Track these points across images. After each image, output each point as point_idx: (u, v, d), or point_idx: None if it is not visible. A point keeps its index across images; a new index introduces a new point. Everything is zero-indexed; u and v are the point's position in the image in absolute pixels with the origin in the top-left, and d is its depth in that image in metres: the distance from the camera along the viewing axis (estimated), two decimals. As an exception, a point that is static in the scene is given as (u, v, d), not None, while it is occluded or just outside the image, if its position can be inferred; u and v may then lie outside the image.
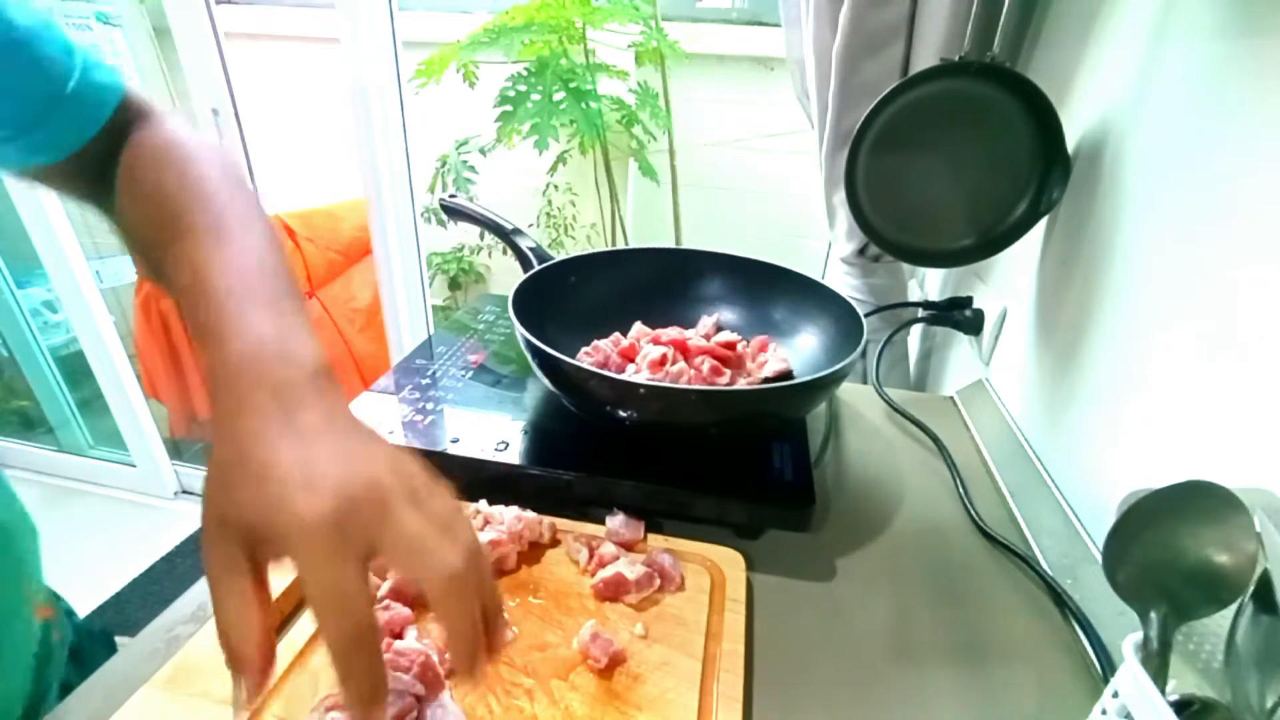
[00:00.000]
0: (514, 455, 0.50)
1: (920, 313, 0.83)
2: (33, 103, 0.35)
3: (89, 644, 0.50)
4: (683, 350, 0.58)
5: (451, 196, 0.70)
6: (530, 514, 0.46)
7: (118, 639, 0.53)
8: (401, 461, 0.26)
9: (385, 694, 0.23)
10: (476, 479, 0.50)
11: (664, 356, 0.55)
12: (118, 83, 0.38)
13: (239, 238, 0.31)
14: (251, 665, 0.24)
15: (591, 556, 0.44)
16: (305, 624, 0.38)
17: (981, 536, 0.52)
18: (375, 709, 0.23)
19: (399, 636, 0.37)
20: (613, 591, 0.41)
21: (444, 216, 1.47)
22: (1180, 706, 0.26)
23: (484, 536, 0.43)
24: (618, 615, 0.41)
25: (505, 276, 2.20)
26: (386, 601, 0.39)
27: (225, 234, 0.31)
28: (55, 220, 1.47)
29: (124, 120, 0.38)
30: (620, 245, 1.85)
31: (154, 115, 0.39)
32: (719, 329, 0.65)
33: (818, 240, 1.80)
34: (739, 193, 1.90)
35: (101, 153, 0.38)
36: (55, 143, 0.37)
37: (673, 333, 0.61)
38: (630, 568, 0.41)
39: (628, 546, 0.46)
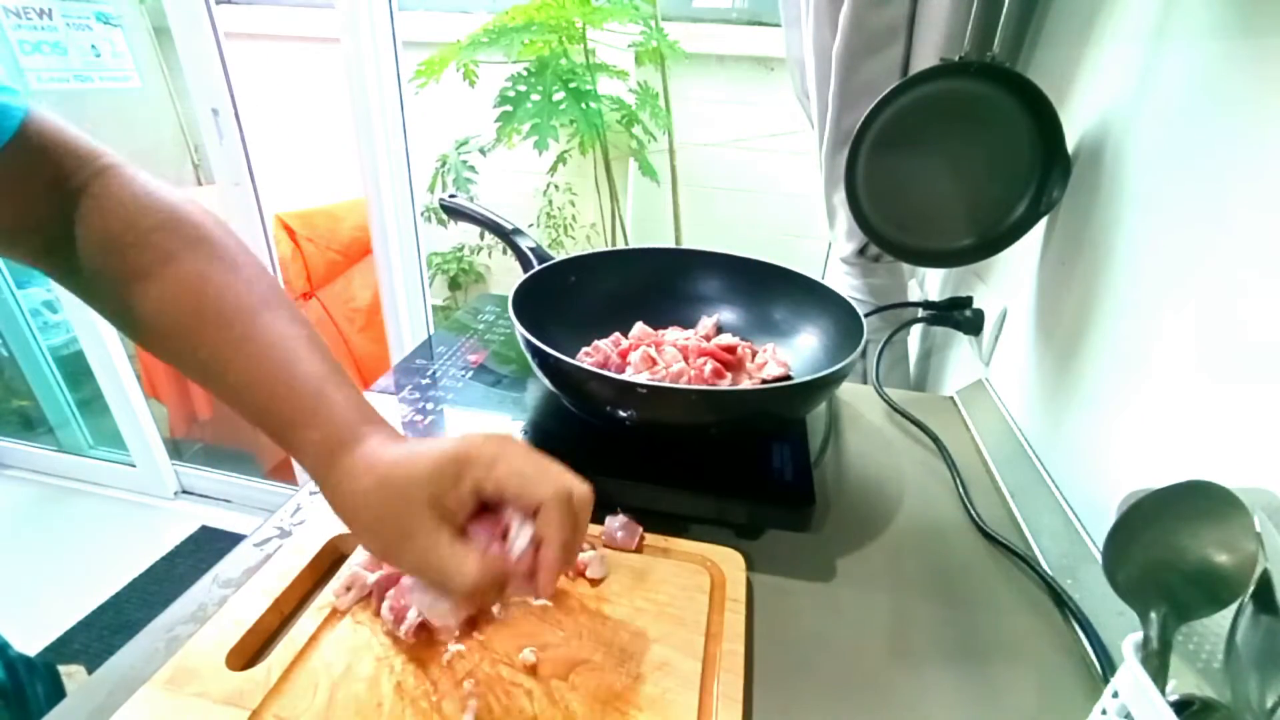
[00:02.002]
0: (514, 455, 0.50)
1: (920, 313, 0.83)
2: None
3: (27, 680, 0.48)
4: (682, 352, 0.58)
5: (451, 196, 0.70)
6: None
7: (68, 670, 0.52)
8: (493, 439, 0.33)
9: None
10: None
11: (647, 356, 0.55)
12: (12, 106, 0.32)
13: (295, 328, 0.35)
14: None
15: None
16: (305, 624, 0.38)
17: (981, 536, 0.52)
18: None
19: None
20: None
21: (444, 216, 1.47)
22: (1180, 706, 0.26)
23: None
24: (617, 615, 0.41)
25: (505, 276, 2.21)
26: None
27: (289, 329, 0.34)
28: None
29: (36, 152, 0.33)
30: (620, 245, 1.85)
31: (111, 168, 0.35)
32: (719, 330, 0.65)
33: (818, 240, 1.80)
34: (739, 193, 1.90)
35: (19, 191, 0.33)
36: None
37: (673, 335, 0.61)
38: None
39: (623, 548, 0.46)
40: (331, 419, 0.33)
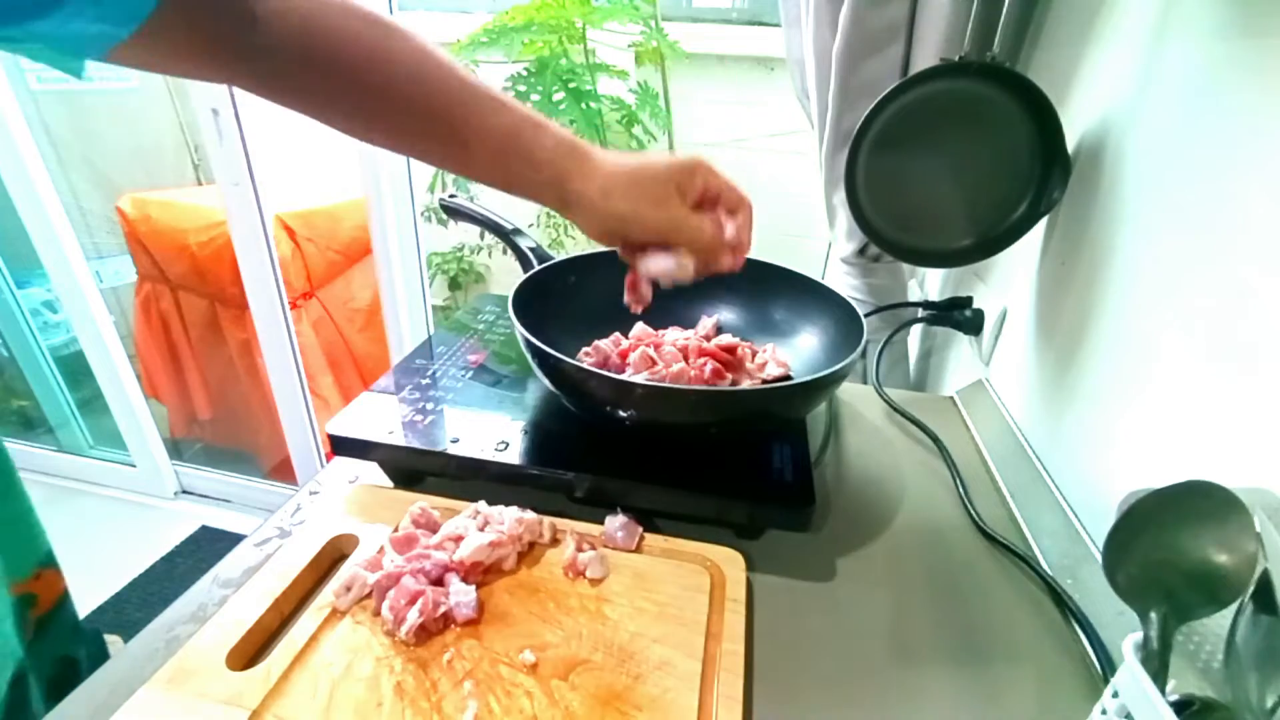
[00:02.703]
0: (514, 455, 0.50)
1: (920, 313, 0.83)
2: None
3: (81, 644, 0.50)
4: (682, 352, 0.58)
5: (451, 196, 0.70)
6: (530, 514, 0.46)
7: (109, 639, 0.53)
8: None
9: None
10: (476, 479, 0.50)
11: (646, 356, 0.55)
12: None
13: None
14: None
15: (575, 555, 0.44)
16: (305, 624, 0.38)
17: (981, 536, 0.52)
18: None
19: (439, 582, 0.41)
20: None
21: (444, 216, 1.47)
22: (1180, 706, 0.26)
23: (484, 537, 0.43)
24: (617, 615, 0.41)
25: (505, 276, 2.20)
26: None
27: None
28: (55, 220, 1.47)
29: None
30: (620, 245, 1.85)
31: None
32: (719, 330, 0.65)
33: (818, 240, 1.80)
34: (739, 193, 1.89)
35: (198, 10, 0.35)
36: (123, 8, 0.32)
37: (673, 335, 0.61)
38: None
39: (623, 548, 0.46)
40: (559, 131, 0.43)
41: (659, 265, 0.45)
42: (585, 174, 0.42)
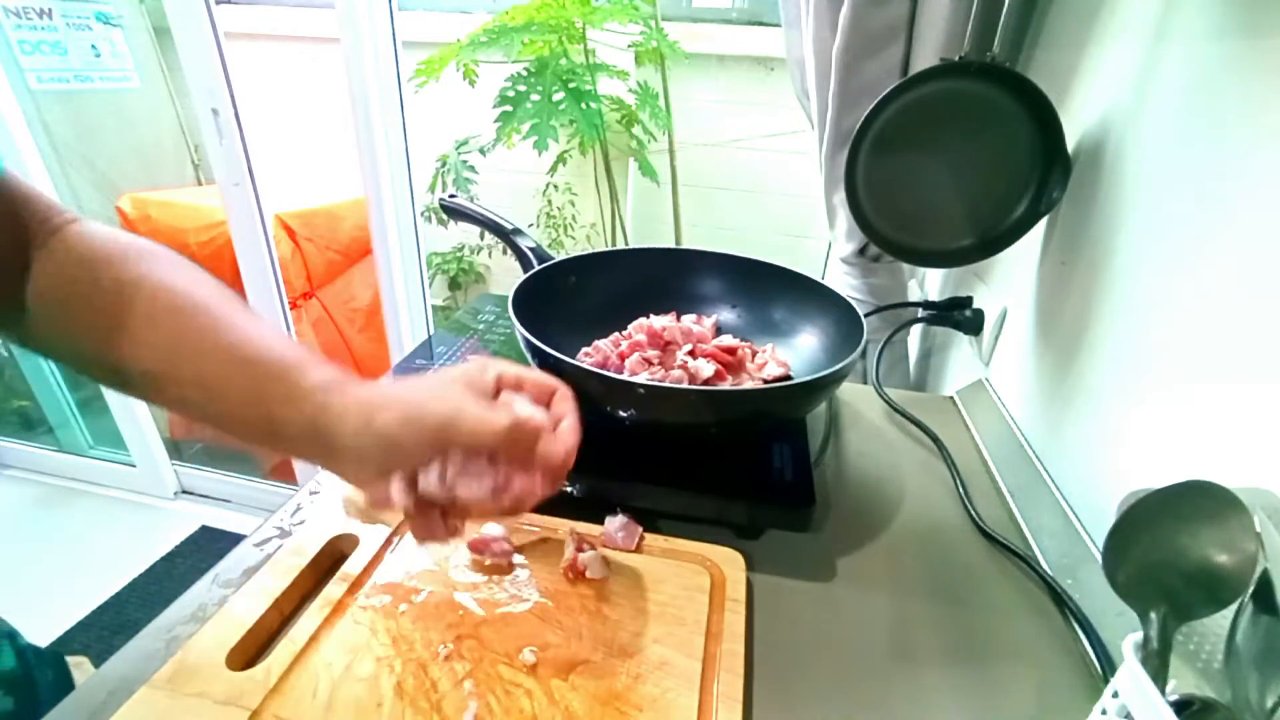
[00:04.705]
0: (514, 455, 0.50)
1: (920, 313, 0.83)
2: None
3: (36, 667, 0.48)
4: (686, 336, 0.58)
5: (451, 196, 0.70)
6: (530, 515, 0.46)
7: (74, 660, 0.52)
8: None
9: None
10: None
11: (648, 359, 0.55)
12: None
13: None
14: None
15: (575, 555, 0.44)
16: (305, 624, 0.38)
17: (981, 536, 0.52)
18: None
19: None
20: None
21: (444, 216, 1.47)
22: (1180, 706, 0.26)
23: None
24: (617, 615, 0.41)
25: (505, 276, 2.21)
26: None
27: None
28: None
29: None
30: (620, 245, 1.85)
31: (72, 223, 0.35)
32: (719, 330, 0.65)
33: (818, 240, 1.80)
34: (739, 193, 1.90)
35: None
36: None
37: (668, 321, 0.61)
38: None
39: (623, 549, 0.46)
40: (328, 367, 0.35)
41: (461, 485, 0.34)
42: (347, 400, 0.33)
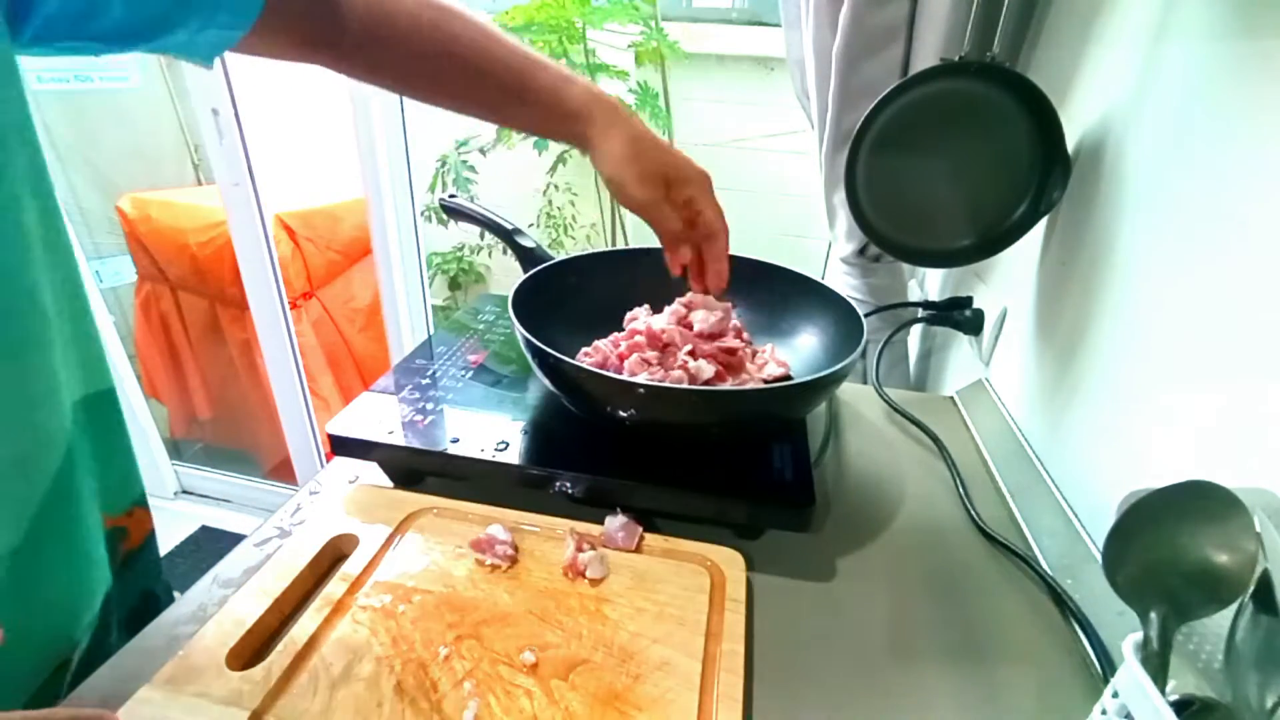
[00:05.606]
0: (514, 455, 0.50)
1: (920, 313, 0.83)
2: None
3: (160, 583, 0.53)
4: (685, 325, 0.58)
5: (451, 196, 0.70)
6: (531, 515, 0.46)
7: None
8: None
9: None
10: (477, 479, 0.50)
11: (648, 359, 0.55)
12: None
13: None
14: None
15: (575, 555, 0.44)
16: (305, 624, 0.38)
17: (981, 536, 0.52)
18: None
19: None
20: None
21: (444, 216, 1.47)
22: (1180, 706, 0.26)
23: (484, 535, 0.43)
24: (617, 615, 0.41)
25: (505, 276, 2.21)
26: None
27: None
28: (55, 220, 1.46)
29: None
30: (620, 245, 1.85)
31: None
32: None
33: (818, 240, 1.80)
34: (739, 193, 1.90)
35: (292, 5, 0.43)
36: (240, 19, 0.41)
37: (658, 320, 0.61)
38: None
39: (623, 548, 0.46)
40: (582, 82, 0.51)
41: None
42: (603, 131, 0.49)
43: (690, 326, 0.59)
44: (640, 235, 1.98)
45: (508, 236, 0.67)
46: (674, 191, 0.50)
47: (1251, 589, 0.27)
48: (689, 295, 0.60)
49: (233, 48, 0.43)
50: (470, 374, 0.61)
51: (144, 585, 0.50)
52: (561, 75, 0.50)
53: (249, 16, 0.41)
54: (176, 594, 0.45)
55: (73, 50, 0.37)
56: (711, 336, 0.58)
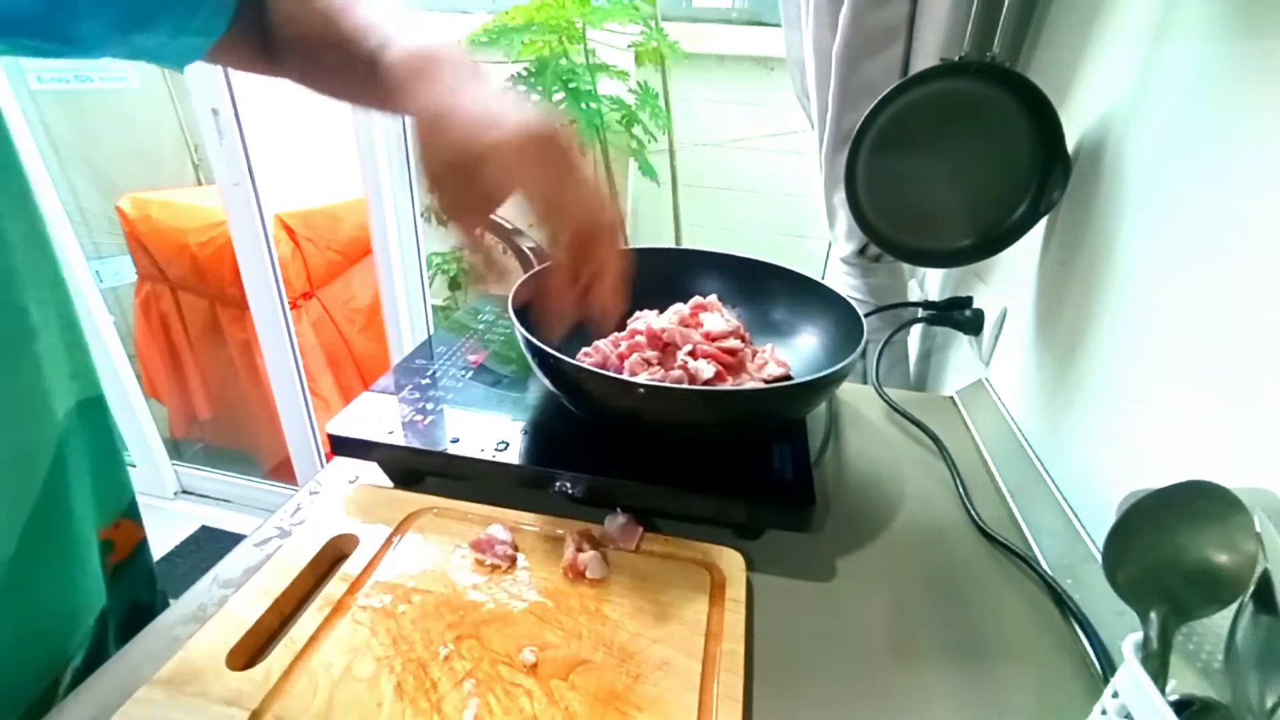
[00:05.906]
0: (514, 455, 0.50)
1: (920, 313, 0.83)
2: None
3: (153, 590, 0.53)
4: (687, 323, 0.58)
5: (451, 196, 0.70)
6: (531, 515, 0.46)
7: None
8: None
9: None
10: (477, 479, 0.50)
11: (648, 359, 0.55)
12: None
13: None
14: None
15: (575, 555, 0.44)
16: (305, 624, 0.38)
17: (981, 536, 0.52)
18: None
19: None
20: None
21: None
22: (1180, 706, 0.26)
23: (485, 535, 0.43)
24: (617, 615, 0.41)
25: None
26: None
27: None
28: (55, 220, 1.47)
29: None
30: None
31: None
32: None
33: (818, 240, 1.80)
34: (739, 193, 1.90)
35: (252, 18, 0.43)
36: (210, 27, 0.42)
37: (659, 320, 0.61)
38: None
39: (623, 548, 0.46)
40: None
41: None
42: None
43: (691, 327, 0.59)
44: (640, 235, 1.98)
45: (508, 236, 0.67)
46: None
47: (1251, 589, 0.27)
48: (696, 298, 0.58)
49: (203, 58, 0.44)
50: (470, 374, 0.61)
51: (133, 597, 0.50)
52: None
53: (220, 26, 0.42)
54: (172, 602, 0.45)
55: (38, 52, 0.37)
56: (712, 337, 0.58)
